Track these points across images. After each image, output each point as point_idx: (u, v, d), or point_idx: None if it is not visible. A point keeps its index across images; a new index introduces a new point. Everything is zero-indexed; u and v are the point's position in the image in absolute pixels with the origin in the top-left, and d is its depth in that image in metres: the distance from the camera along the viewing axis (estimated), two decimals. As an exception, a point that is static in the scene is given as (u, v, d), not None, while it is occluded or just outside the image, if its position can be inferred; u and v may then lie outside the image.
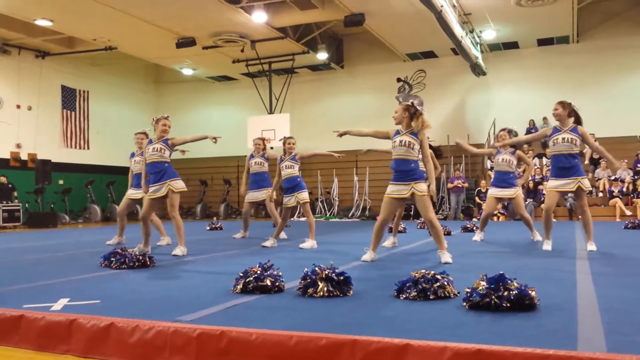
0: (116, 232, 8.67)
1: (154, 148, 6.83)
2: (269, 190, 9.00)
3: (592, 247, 6.60)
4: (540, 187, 15.99)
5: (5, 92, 17.66)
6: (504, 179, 8.04)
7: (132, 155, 8.66)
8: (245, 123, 19.25)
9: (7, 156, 17.66)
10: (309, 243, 7.64)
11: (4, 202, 15.76)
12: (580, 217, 6.88)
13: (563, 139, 6.44)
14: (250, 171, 9.26)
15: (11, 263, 6.40)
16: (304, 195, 7.86)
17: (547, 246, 6.73)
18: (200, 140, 7.13)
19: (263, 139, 9.47)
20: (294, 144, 8.03)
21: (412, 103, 5.74)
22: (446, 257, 5.58)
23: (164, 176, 6.76)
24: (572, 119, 6.54)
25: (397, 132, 5.80)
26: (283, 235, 9.13)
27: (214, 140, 6.97)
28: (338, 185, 19.58)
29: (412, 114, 5.67)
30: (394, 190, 5.75)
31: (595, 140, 17.60)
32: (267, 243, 7.83)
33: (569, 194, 6.68)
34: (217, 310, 3.37)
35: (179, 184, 6.84)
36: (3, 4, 13.94)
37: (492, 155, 8.45)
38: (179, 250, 6.68)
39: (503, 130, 8.07)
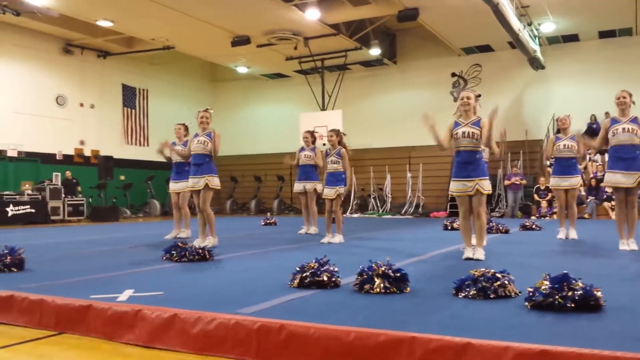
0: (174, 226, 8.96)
1: (198, 140, 7.16)
2: (315, 182, 9.34)
3: (634, 245, 6.32)
4: (602, 184, 15.38)
5: (69, 91, 18.40)
6: (568, 165, 7.78)
7: (173, 144, 8.93)
8: (298, 120, 19.37)
9: (72, 152, 18.42)
10: (338, 238, 7.80)
11: (69, 196, 16.45)
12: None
13: (624, 129, 6.20)
14: (299, 163, 9.54)
15: (77, 255, 6.67)
16: (342, 190, 7.87)
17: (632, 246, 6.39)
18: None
19: (311, 132, 9.66)
20: (330, 136, 7.95)
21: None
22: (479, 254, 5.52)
23: (204, 170, 7.08)
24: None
25: None
26: (314, 229, 9.47)
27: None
28: (391, 182, 19.45)
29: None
30: None
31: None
32: (325, 239, 7.90)
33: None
34: (276, 303, 3.41)
35: (215, 181, 7.14)
36: (66, 5, 14.52)
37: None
38: (210, 241, 7.03)
39: (565, 116, 7.87)
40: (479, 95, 5.76)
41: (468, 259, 5.57)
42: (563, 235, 8.02)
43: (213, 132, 7.16)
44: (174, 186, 8.80)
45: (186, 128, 8.78)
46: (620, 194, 6.35)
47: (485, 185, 5.53)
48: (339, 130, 8.18)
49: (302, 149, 9.59)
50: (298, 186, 9.52)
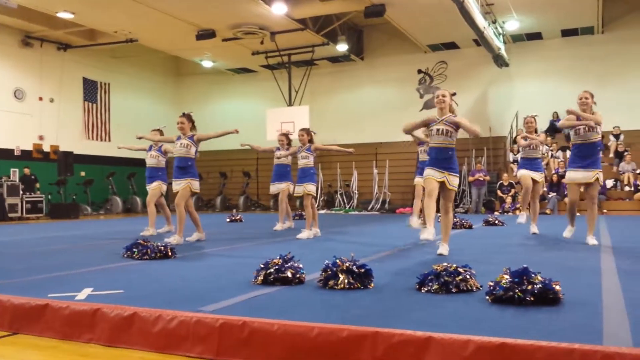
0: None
1: (181, 144, 7.27)
2: (288, 183, 9.61)
3: (593, 241, 6.49)
4: (563, 180, 15.76)
5: (28, 85, 17.89)
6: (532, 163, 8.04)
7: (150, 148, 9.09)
8: (265, 115, 19.26)
9: (30, 148, 17.92)
10: (306, 233, 7.87)
11: (27, 193, 16.02)
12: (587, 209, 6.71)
13: (585, 128, 6.37)
14: (275, 162, 9.72)
15: (35, 253, 6.50)
16: (311, 188, 7.98)
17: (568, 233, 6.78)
18: (224, 135, 7.66)
19: (285, 134, 9.73)
20: (301, 135, 8.15)
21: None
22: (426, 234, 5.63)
23: (188, 174, 7.21)
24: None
25: None
26: (289, 224, 9.78)
27: (236, 131, 7.43)
28: (358, 178, 19.53)
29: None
30: None
31: (620, 133, 17.27)
32: (303, 235, 7.91)
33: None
34: (239, 301, 3.38)
35: (196, 185, 7.32)
36: (26, -3, 14.11)
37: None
38: (174, 239, 7.02)
39: (531, 116, 8.04)
40: (454, 94, 5.83)
41: (441, 254, 5.55)
42: (523, 219, 8.21)
43: (197, 135, 7.35)
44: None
45: (161, 133, 9.06)
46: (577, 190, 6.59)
47: (453, 182, 5.64)
48: (309, 129, 8.36)
49: (278, 148, 9.74)
50: (272, 188, 9.87)
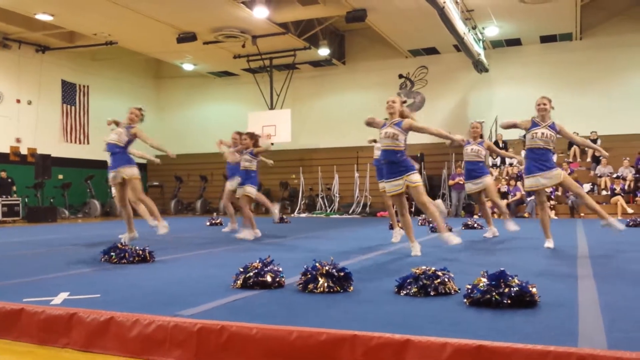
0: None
1: (116, 132, 7.41)
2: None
3: (550, 244, 6.58)
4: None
5: (5, 87, 17.63)
6: (474, 169, 8.20)
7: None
8: (246, 119, 19.20)
9: (7, 150, 17.64)
10: (244, 233, 8.23)
11: (4, 196, 15.75)
12: (539, 213, 6.85)
13: (542, 134, 6.46)
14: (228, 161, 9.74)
15: (11, 257, 6.40)
16: (250, 190, 8.29)
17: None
18: (158, 150, 7.77)
19: (239, 134, 9.52)
20: (244, 139, 8.48)
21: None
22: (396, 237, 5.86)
23: (118, 162, 7.31)
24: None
25: None
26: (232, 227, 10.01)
27: (174, 156, 7.81)
28: (339, 182, 19.55)
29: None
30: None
31: (597, 138, 17.51)
32: (242, 235, 8.28)
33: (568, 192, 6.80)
34: (218, 305, 3.36)
35: (130, 171, 7.31)
36: (4, -3, 13.91)
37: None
38: (159, 225, 7.33)
39: (477, 122, 8.31)
40: (405, 102, 6.22)
41: (415, 255, 5.79)
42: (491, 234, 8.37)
43: (134, 129, 7.41)
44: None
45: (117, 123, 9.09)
46: (541, 196, 6.67)
47: (414, 178, 5.83)
48: (253, 133, 8.76)
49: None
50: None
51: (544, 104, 6.54)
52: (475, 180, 8.21)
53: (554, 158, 6.70)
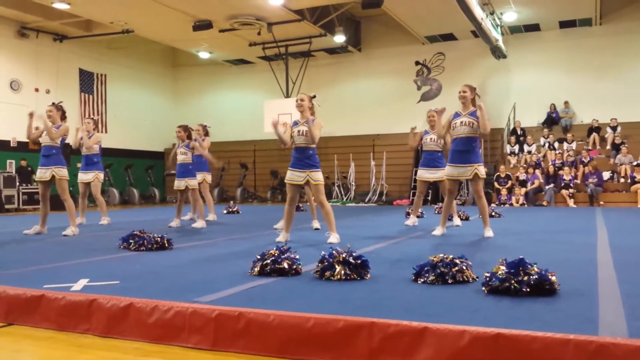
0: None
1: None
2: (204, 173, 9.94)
3: (489, 233, 6.52)
4: (560, 172, 15.79)
5: (24, 76, 17.80)
6: (434, 159, 8.00)
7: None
8: (262, 107, 19.20)
9: (26, 139, 17.82)
10: (200, 223, 8.45)
11: (24, 184, 15.97)
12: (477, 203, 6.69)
13: (461, 122, 6.38)
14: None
15: (31, 244, 6.49)
16: (192, 182, 8.64)
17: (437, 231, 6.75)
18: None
19: (184, 127, 9.33)
20: (178, 132, 8.81)
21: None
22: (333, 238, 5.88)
23: (50, 161, 7.88)
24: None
25: None
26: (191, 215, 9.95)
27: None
28: (355, 170, 19.51)
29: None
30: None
31: (617, 125, 17.25)
32: (173, 224, 8.55)
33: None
34: (235, 291, 3.38)
35: (62, 172, 7.88)
36: (21, -13, 14.00)
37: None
38: (70, 231, 7.52)
39: (433, 110, 7.83)
40: (314, 96, 6.29)
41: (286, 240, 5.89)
42: (411, 222, 8.17)
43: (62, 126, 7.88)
44: (82, 176, 9.99)
45: (95, 123, 9.41)
46: (453, 185, 6.64)
47: (316, 177, 6.01)
48: (187, 126, 9.06)
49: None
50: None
51: (464, 92, 6.46)
52: (431, 170, 7.97)
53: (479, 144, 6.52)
